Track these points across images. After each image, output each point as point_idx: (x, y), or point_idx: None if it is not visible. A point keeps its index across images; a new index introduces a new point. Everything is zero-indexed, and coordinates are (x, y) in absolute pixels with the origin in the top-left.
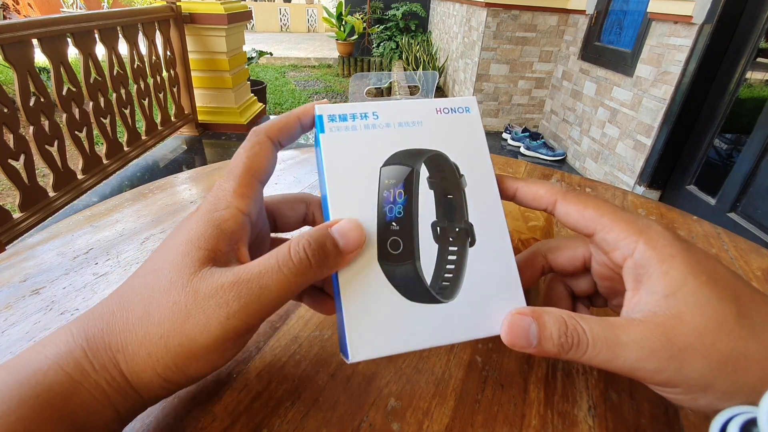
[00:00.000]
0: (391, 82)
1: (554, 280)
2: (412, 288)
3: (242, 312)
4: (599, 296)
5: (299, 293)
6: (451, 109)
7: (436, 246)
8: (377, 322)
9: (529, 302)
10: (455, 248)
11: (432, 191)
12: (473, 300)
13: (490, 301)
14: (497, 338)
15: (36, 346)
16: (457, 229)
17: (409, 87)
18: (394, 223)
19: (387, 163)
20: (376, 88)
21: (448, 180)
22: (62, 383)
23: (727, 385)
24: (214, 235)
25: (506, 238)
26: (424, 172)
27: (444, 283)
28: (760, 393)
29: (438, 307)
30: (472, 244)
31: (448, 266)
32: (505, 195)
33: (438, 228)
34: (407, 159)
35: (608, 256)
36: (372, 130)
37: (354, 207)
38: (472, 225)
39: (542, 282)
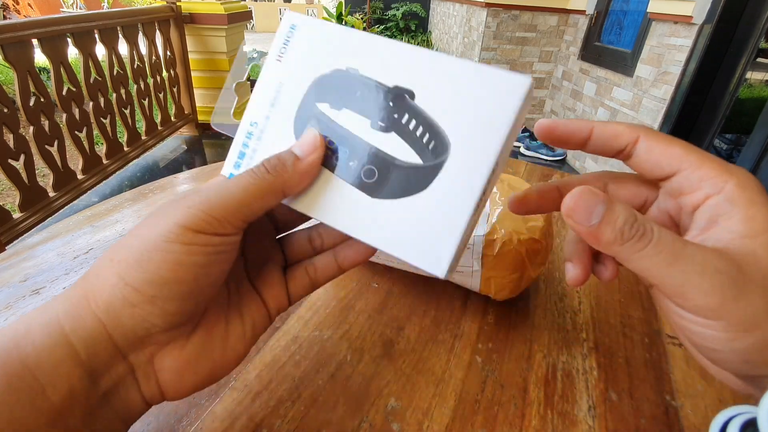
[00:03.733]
0: None
1: None
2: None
3: (203, 204)
4: None
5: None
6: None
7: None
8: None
9: (523, 301)
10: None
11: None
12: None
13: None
14: (498, 337)
15: None
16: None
17: None
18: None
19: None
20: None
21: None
22: (16, 327)
23: None
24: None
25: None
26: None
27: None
28: None
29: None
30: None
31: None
32: (577, 141)
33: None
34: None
35: (683, 198)
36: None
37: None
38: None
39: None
